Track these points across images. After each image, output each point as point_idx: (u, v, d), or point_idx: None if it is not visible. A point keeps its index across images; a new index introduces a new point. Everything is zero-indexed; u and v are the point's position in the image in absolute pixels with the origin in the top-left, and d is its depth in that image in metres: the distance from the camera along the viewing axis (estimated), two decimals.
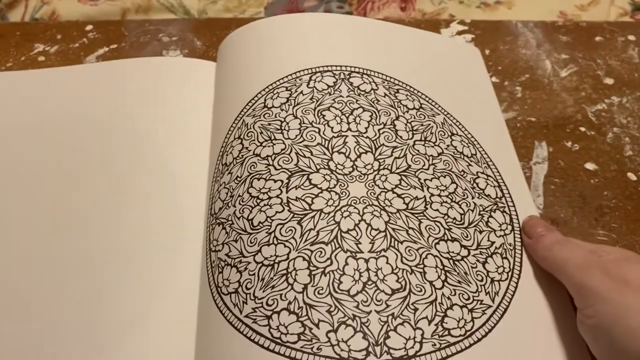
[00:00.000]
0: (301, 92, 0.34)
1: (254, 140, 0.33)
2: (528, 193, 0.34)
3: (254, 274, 0.28)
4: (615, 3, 0.51)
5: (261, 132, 0.33)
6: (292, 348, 0.25)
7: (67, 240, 0.32)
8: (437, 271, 0.28)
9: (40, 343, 0.29)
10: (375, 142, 0.32)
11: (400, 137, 0.33)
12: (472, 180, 0.33)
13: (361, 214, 0.29)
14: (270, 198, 0.30)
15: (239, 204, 0.31)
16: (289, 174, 0.31)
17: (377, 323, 0.26)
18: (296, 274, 0.27)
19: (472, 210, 0.31)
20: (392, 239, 0.29)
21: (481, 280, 0.29)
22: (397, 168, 0.32)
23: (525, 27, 0.46)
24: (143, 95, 0.39)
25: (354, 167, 0.31)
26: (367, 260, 0.28)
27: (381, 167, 0.31)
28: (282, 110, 0.34)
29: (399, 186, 0.31)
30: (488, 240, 0.30)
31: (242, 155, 0.32)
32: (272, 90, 0.35)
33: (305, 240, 0.28)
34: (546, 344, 0.28)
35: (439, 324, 0.27)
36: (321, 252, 0.28)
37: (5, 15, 0.52)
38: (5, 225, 0.33)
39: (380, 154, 0.32)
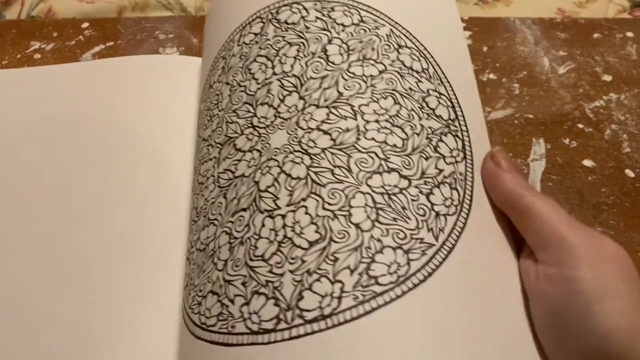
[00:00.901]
0: (233, 54, 0.31)
1: (200, 125, 0.31)
2: (483, 118, 0.29)
3: (195, 263, 0.26)
4: (614, 0, 0.51)
5: (204, 115, 0.31)
6: (211, 331, 0.23)
7: (60, 238, 0.32)
8: (366, 211, 0.23)
9: (32, 340, 0.28)
10: (301, 78, 0.28)
11: (332, 62, 0.28)
12: (421, 99, 0.27)
13: (281, 165, 0.25)
14: (207, 179, 0.28)
15: (194, 194, 0.29)
16: (220, 147, 0.28)
17: (291, 284, 0.22)
18: (220, 251, 0.25)
19: (418, 134, 0.26)
20: (313, 185, 0.24)
21: (423, 215, 0.24)
22: (326, 100, 0.27)
23: (523, 24, 0.46)
24: (138, 93, 0.39)
25: (277, 114, 0.27)
26: (284, 216, 0.24)
27: (306, 105, 0.27)
28: (219, 82, 0.30)
29: (326, 121, 0.26)
30: (435, 168, 0.25)
31: (197, 145, 0.31)
32: (213, 66, 0.32)
33: (229, 212, 0.26)
34: (496, 290, 0.23)
35: (364, 272, 0.22)
36: (240, 220, 0.25)
37: (1, 13, 0.52)
38: None
39: (306, 90, 0.27)
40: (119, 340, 0.28)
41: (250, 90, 0.29)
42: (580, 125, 0.39)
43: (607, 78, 0.42)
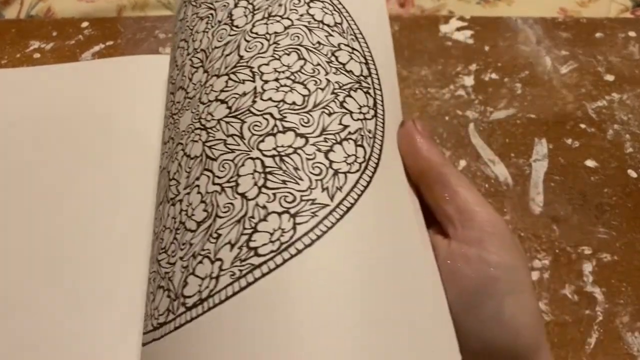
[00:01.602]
0: (172, 47, 0.29)
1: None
2: (397, 80, 0.27)
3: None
4: None
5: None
6: (144, 334, 0.22)
7: (60, 237, 0.32)
8: (253, 177, 0.21)
9: (23, 339, 0.28)
10: (207, 50, 0.25)
11: (236, 27, 0.25)
12: (330, 53, 0.25)
13: (184, 147, 0.23)
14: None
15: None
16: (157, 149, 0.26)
17: (179, 272, 0.21)
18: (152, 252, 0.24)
19: (323, 89, 0.23)
20: (207, 160, 0.22)
21: (318, 174, 0.21)
22: (226, 67, 0.24)
23: (525, 23, 0.46)
24: (138, 93, 0.39)
25: (186, 96, 0.25)
26: (181, 201, 0.22)
27: (209, 77, 0.24)
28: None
29: (224, 89, 0.24)
30: (340, 124, 0.23)
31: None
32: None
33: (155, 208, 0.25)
34: (401, 259, 0.21)
35: (244, 245, 0.20)
36: (157, 214, 0.24)
37: (0, 12, 0.51)
38: None
39: (210, 62, 0.25)
40: (115, 342, 0.28)
41: (173, 79, 0.27)
42: (583, 125, 0.39)
43: (610, 78, 0.42)
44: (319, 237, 0.20)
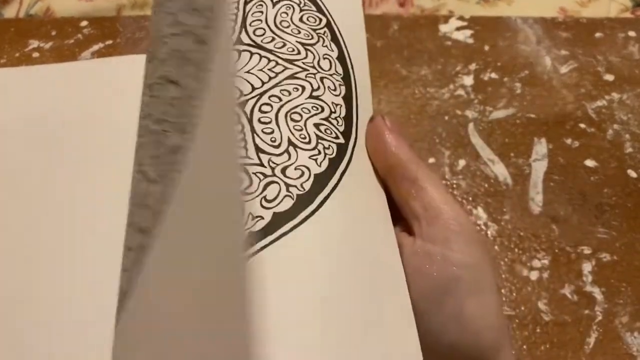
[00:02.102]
0: None
1: None
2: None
3: None
4: None
5: None
6: None
7: (60, 236, 0.32)
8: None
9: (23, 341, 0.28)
10: None
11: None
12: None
13: None
14: None
15: None
16: None
17: None
18: None
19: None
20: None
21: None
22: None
23: (524, 23, 0.46)
24: (135, 91, 0.39)
25: None
26: None
27: None
28: None
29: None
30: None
31: None
32: None
33: None
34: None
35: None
36: None
37: None
38: None
39: None
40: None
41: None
42: (583, 125, 0.39)
43: (609, 78, 0.42)
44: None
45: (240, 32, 0.25)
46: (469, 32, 0.45)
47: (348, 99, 0.24)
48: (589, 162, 0.37)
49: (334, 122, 0.23)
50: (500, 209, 0.35)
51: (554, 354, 0.31)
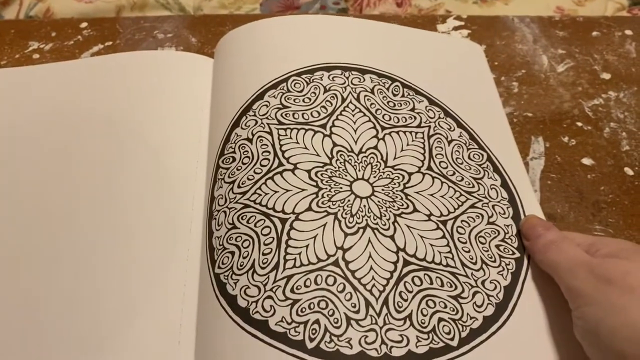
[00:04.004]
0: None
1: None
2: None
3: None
4: None
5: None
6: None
7: (59, 235, 0.32)
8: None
9: (34, 339, 0.28)
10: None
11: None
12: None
13: None
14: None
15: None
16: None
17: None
18: None
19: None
20: None
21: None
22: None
23: (521, 22, 0.46)
24: (138, 89, 0.39)
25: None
26: None
27: None
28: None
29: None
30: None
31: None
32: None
33: None
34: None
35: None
36: None
37: None
38: None
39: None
40: (118, 335, 0.28)
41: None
42: (579, 124, 0.39)
43: (606, 76, 0.42)
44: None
45: (429, 161, 0.33)
46: (466, 32, 0.45)
47: (516, 218, 0.32)
48: (586, 160, 0.37)
49: (509, 241, 0.31)
50: None
51: None
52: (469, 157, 0.34)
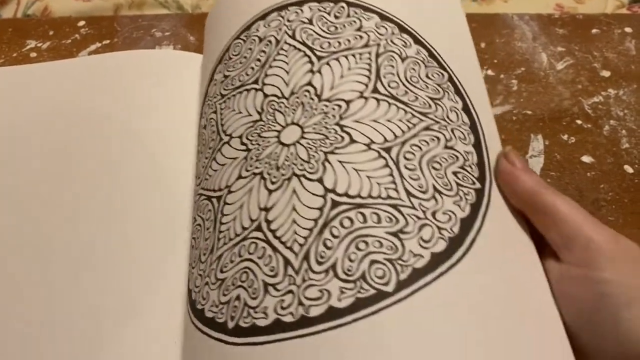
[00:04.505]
0: None
1: None
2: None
3: None
4: None
5: None
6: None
7: (58, 234, 0.32)
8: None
9: (33, 339, 0.28)
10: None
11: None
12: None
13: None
14: None
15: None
16: None
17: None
18: None
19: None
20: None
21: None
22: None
23: (521, 20, 0.46)
24: (136, 88, 0.39)
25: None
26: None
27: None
28: None
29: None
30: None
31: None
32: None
33: None
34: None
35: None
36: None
37: None
38: None
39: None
40: (123, 330, 0.28)
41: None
42: (579, 121, 0.39)
43: (606, 74, 0.42)
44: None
45: (375, 83, 0.27)
46: None
47: (477, 145, 0.27)
48: (586, 158, 0.37)
49: (469, 169, 0.26)
50: None
51: None
52: (427, 76, 0.29)
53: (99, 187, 0.34)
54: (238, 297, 0.23)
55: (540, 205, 0.24)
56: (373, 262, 0.22)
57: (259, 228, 0.24)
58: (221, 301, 0.24)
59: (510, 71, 0.42)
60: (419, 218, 0.23)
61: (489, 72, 0.42)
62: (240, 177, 0.26)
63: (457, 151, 0.26)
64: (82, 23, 0.46)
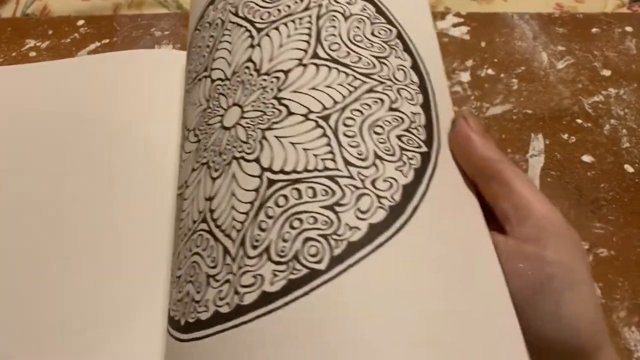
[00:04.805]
0: None
1: None
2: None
3: None
4: None
5: None
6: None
7: (57, 234, 0.32)
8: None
9: (31, 338, 0.28)
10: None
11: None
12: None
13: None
14: None
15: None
16: None
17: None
18: None
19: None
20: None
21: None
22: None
23: (521, 19, 0.46)
24: (135, 87, 0.39)
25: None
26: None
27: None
28: None
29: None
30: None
31: None
32: None
33: None
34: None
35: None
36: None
37: None
38: None
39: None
40: (107, 339, 0.28)
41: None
42: (579, 121, 0.39)
43: (606, 73, 0.42)
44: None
45: (315, 47, 0.25)
46: (465, 29, 0.45)
47: (426, 106, 0.25)
48: (586, 158, 0.37)
49: (415, 131, 0.23)
50: None
51: None
52: (373, 33, 0.26)
53: (98, 186, 0.34)
54: (188, 293, 0.22)
55: (496, 173, 0.22)
56: (307, 239, 0.20)
57: (204, 219, 0.23)
58: (177, 299, 0.23)
59: (511, 70, 0.42)
60: (357, 188, 0.21)
61: (489, 71, 0.42)
62: (193, 170, 0.25)
63: (403, 113, 0.24)
64: (81, 22, 0.46)
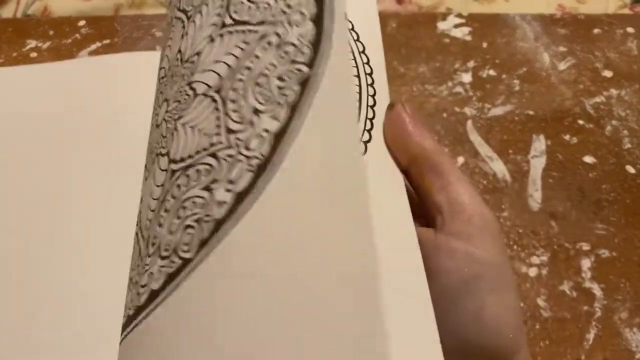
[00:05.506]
0: None
1: None
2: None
3: None
4: None
5: None
6: None
7: (56, 234, 0.32)
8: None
9: (30, 339, 0.28)
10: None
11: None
12: None
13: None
14: None
15: None
16: None
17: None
18: None
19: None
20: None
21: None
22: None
23: (523, 20, 0.46)
24: (135, 89, 0.39)
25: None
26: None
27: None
28: None
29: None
30: None
31: None
32: None
33: None
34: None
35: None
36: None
37: None
38: None
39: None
40: (108, 340, 0.28)
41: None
42: (581, 122, 0.39)
43: (608, 74, 0.42)
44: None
45: (224, 17, 0.22)
46: (467, 30, 0.45)
47: (318, 17, 0.21)
48: (588, 159, 0.37)
49: (299, 56, 0.20)
50: (499, 205, 0.35)
51: (553, 350, 0.31)
52: None
53: (98, 187, 0.34)
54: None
55: (435, 164, 0.21)
56: (186, 227, 0.18)
57: (138, 222, 0.22)
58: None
59: (512, 71, 0.42)
60: (231, 157, 0.19)
61: (491, 72, 0.42)
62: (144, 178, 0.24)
63: (289, 43, 0.20)
64: (82, 23, 0.46)
